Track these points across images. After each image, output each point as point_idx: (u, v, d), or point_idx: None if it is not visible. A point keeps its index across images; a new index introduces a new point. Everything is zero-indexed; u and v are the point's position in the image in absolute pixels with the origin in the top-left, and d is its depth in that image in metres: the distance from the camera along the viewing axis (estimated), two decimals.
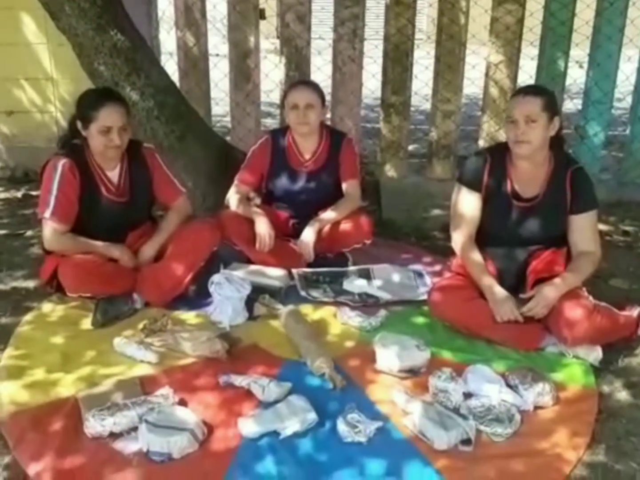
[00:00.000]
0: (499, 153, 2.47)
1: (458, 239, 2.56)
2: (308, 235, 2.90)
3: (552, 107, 2.39)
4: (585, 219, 2.44)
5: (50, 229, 2.59)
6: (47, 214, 2.56)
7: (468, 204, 2.53)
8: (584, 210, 2.44)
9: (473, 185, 2.51)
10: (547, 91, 2.46)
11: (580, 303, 2.34)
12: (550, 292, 2.35)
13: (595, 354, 2.36)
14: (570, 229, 2.46)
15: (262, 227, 2.86)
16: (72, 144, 2.65)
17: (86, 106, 2.57)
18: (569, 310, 2.32)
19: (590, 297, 2.41)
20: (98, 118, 2.53)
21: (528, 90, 2.45)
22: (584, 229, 2.44)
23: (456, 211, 2.57)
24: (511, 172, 2.49)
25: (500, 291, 2.43)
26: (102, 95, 2.62)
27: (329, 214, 2.97)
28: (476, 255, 2.51)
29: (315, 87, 3.01)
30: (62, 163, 2.57)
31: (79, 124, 2.59)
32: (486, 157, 2.51)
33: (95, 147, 2.60)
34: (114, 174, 2.70)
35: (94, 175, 2.65)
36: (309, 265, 2.96)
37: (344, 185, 3.05)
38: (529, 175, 2.47)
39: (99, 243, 2.66)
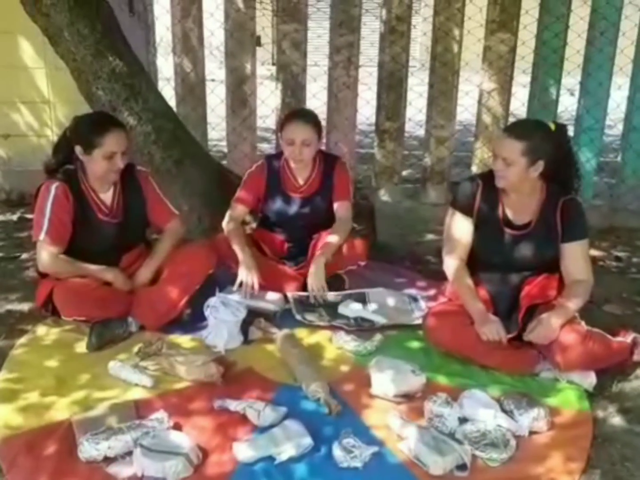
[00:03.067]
0: (492, 179, 2.47)
1: (450, 263, 2.57)
2: (317, 275, 2.82)
3: (536, 151, 2.32)
4: (575, 247, 2.45)
5: (44, 252, 2.59)
6: (41, 236, 2.57)
7: (460, 228, 2.55)
8: (574, 239, 2.44)
9: (465, 210, 2.53)
10: (534, 133, 2.36)
11: (574, 329, 2.35)
12: (551, 324, 2.32)
13: (590, 380, 2.37)
14: (562, 258, 2.47)
15: (243, 273, 2.80)
16: (64, 168, 2.66)
17: (90, 133, 2.57)
18: (562, 336, 2.33)
19: (583, 323, 2.42)
20: (104, 144, 2.55)
21: (512, 131, 2.39)
22: (576, 258, 2.45)
23: (448, 235, 2.59)
24: (503, 199, 2.50)
25: (488, 314, 2.44)
26: (105, 122, 2.62)
27: (330, 244, 2.91)
28: (467, 280, 2.52)
29: (313, 121, 2.93)
30: (55, 186, 2.58)
31: (78, 149, 2.59)
32: (478, 183, 2.53)
33: (96, 171, 2.62)
34: (107, 196, 2.71)
35: (87, 197, 2.66)
36: (304, 290, 2.96)
37: (335, 206, 3.02)
38: (519, 204, 2.48)
39: (92, 266, 2.66)
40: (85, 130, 2.60)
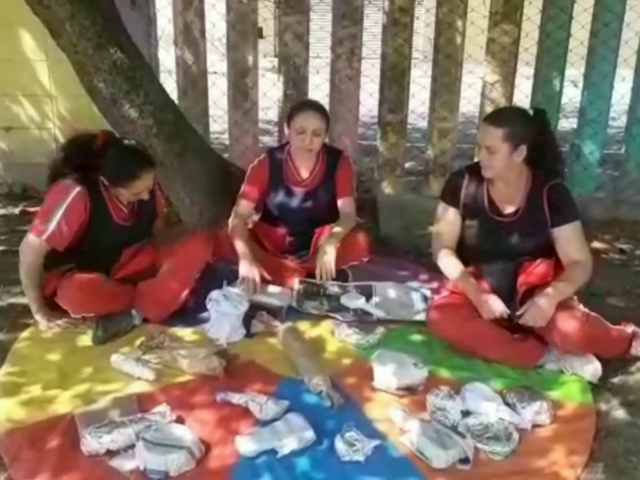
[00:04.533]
0: (478, 171, 2.50)
1: (437, 252, 2.62)
2: (329, 255, 2.79)
3: (517, 136, 2.35)
4: (567, 230, 2.45)
5: (35, 247, 2.57)
6: (44, 236, 2.53)
7: (447, 219, 2.60)
8: (564, 222, 2.45)
9: (451, 201, 2.58)
10: (513, 119, 2.40)
11: (572, 311, 2.36)
12: (544, 303, 2.34)
13: (594, 370, 2.36)
14: (556, 242, 2.48)
15: (245, 269, 2.78)
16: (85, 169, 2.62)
17: (120, 176, 2.57)
18: (559, 316, 2.33)
19: (581, 305, 2.43)
20: (131, 187, 2.58)
21: (492, 119, 2.42)
22: (569, 240, 2.46)
23: (436, 227, 2.65)
24: (489, 189, 2.53)
25: (483, 294, 2.45)
26: (137, 167, 2.57)
27: (337, 233, 2.90)
28: (456, 264, 2.54)
29: (323, 112, 2.97)
30: (77, 191, 2.54)
31: (103, 179, 2.60)
32: (464, 175, 2.57)
33: (122, 197, 2.65)
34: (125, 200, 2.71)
35: (107, 202, 2.65)
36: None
37: (339, 202, 3.04)
38: (506, 193, 2.51)
39: (35, 300, 2.63)
40: (114, 171, 2.58)
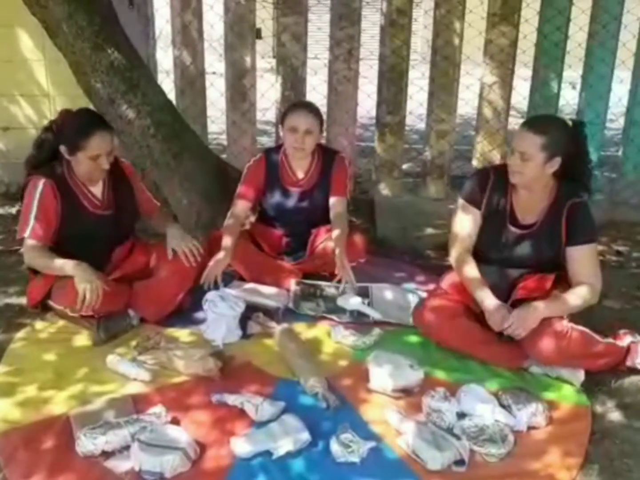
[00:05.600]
0: (503, 174, 2.45)
1: (454, 253, 2.56)
2: (344, 263, 2.78)
3: (554, 146, 2.31)
4: (581, 251, 2.40)
5: (29, 247, 2.56)
6: (27, 233, 2.54)
7: (467, 219, 2.53)
8: (579, 243, 2.39)
9: (474, 201, 2.52)
10: (554, 128, 2.35)
11: (554, 325, 2.30)
12: (530, 314, 2.29)
13: (578, 375, 2.35)
14: (567, 261, 2.42)
15: (213, 261, 2.75)
16: (51, 164, 2.63)
17: (74, 135, 2.55)
18: (539, 330, 2.29)
19: (565, 321, 2.35)
20: (87, 147, 2.53)
21: (533, 126, 2.36)
22: (581, 262, 2.40)
23: (455, 226, 2.58)
24: (512, 196, 2.48)
25: (493, 302, 2.39)
26: (89, 124, 2.57)
27: (340, 238, 2.87)
28: (472, 268, 2.49)
29: (316, 112, 2.96)
30: (42, 182, 2.55)
31: (63, 149, 2.57)
32: (490, 176, 2.51)
33: (81, 171, 2.61)
34: (97, 189, 2.70)
35: (77, 192, 2.64)
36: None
37: (331, 200, 3.00)
38: (529, 202, 2.46)
39: (59, 261, 2.52)
40: (70, 133, 2.57)
